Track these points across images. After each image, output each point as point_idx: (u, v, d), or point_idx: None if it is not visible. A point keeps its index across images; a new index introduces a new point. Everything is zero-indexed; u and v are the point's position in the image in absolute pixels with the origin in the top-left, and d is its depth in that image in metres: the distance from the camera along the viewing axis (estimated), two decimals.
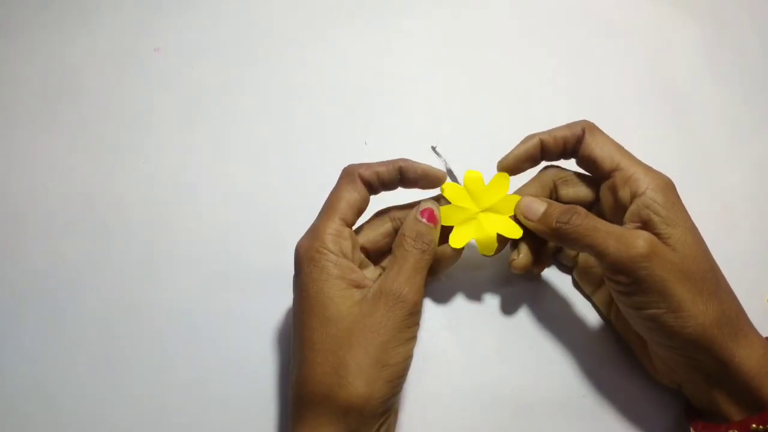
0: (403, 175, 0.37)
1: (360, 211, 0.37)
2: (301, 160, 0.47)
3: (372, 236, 0.39)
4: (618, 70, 0.51)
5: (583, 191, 0.39)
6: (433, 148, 0.47)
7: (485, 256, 0.39)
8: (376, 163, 0.37)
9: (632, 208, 0.35)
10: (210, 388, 0.40)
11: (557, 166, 0.40)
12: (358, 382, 0.31)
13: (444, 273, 0.40)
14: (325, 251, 0.34)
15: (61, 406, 0.40)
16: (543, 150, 0.38)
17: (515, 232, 0.38)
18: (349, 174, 0.37)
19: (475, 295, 0.42)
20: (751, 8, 0.53)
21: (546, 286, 0.42)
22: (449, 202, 0.39)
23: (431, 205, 0.37)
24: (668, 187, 0.35)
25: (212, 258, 0.44)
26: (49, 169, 0.48)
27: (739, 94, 0.50)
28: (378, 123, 0.49)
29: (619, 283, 0.33)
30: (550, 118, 0.48)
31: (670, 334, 0.33)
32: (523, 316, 0.41)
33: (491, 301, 0.42)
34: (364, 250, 0.39)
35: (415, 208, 0.37)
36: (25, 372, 0.41)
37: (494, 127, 0.48)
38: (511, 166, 0.38)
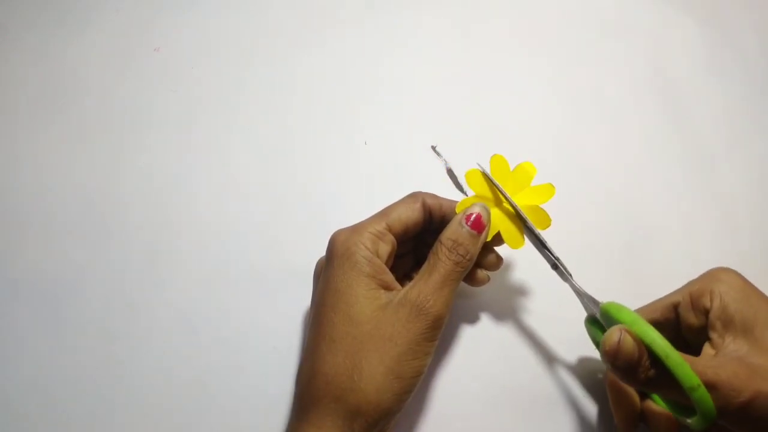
0: None
1: (407, 231, 0.36)
2: (301, 160, 0.47)
3: (404, 216, 0.36)
4: (618, 70, 0.51)
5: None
6: (433, 148, 0.47)
7: (513, 249, 0.36)
8: (444, 198, 0.37)
9: (712, 320, 0.32)
10: (210, 387, 0.40)
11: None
12: (370, 389, 0.31)
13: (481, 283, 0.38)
14: (362, 246, 0.34)
15: (61, 406, 0.40)
16: None
17: (544, 221, 0.36)
18: (414, 195, 0.37)
19: (474, 296, 0.42)
20: (751, 8, 0.53)
21: (547, 287, 0.42)
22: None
23: (479, 210, 0.35)
24: (737, 281, 0.33)
25: (212, 258, 0.44)
26: (49, 169, 0.48)
27: (739, 94, 0.50)
28: (378, 123, 0.49)
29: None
30: (550, 117, 0.48)
31: None
32: (523, 316, 0.41)
33: (491, 302, 0.42)
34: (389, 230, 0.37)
35: (460, 213, 0.35)
36: (25, 372, 0.41)
37: (494, 127, 0.48)
38: None
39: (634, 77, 0.50)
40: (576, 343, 0.40)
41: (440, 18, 0.53)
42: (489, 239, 0.36)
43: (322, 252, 0.37)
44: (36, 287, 0.43)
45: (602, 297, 0.39)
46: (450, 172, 0.46)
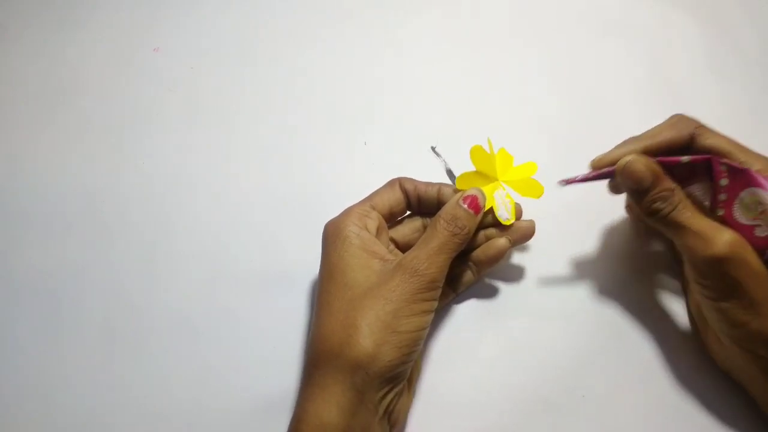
0: (439, 200, 0.38)
1: (392, 210, 0.39)
2: (301, 160, 0.47)
3: (402, 230, 0.40)
4: (618, 70, 0.51)
5: (720, 142, 0.36)
6: (433, 149, 0.47)
7: (504, 225, 0.39)
8: (419, 181, 0.39)
9: None
10: (210, 387, 0.40)
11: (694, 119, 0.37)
12: (366, 341, 0.32)
13: (487, 271, 0.41)
14: (349, 223, 0.36)
15: (61, 406, 0.40)
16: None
17: (538, 190, 0.39)
18: (391, 181, 0.40)
19: (474, 296, 0.42)
20: (751, 8, 0.53)
21: (547, 286, 0.42)
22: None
23: (476, 192, 0.37)
24: None
25: (212, 258, 0.44)
26: (49, 168, 0.48)
27: (739, 94, 0.49)
28: (378, 123, 0.49)
29: (698, 279, 0.34)
30: (550, 118, 0.48)
31: (734, 324, 0.33)
32: (523, 316, 0.41)
33: (491, 301, 0.42)
34: (394, 243, 0.40)
35: (458, 194, 0.37)
36: (25, 372, 0.41)
37: (494, 127, 0.48)
38: (604, 167, 0.37)
39: (634, 77, 0.50)
40: (573, 342, 0.40)
41: (440, 18, 0.53)
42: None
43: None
44: (36, 287, 0.43)
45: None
46: (449, 173, 0.46)
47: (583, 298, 0.42)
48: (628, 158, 0.35)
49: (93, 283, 0.43)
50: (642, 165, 0.34)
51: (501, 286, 0.42)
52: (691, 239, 0.33)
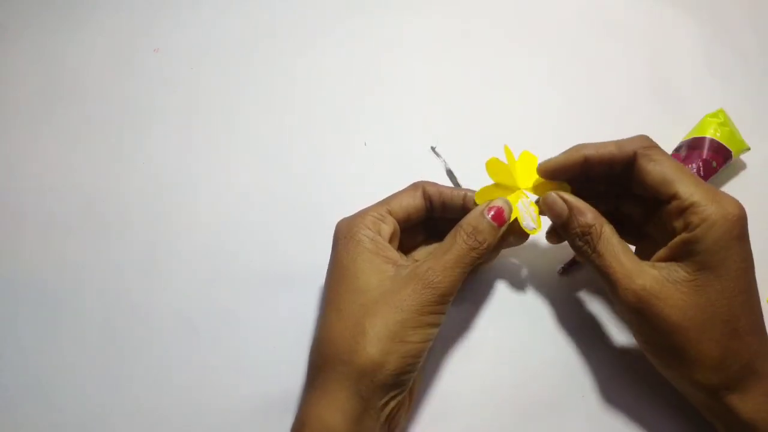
0: (464, 206, 0.37)
1: (409, 216, 0.38)
2: (301, 161, 0.47)
3: (405, 203, 0.38)
4: (618, 70, 0.51)
5: (663, 170, 0.34)
6: (433, 149, 0.47)
7: (529, 234, 0.38)
8: (445, 186, 0.38)
9: (676, 240, 0.32)
10: (210, 387, 0.40)
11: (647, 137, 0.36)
12: (373, 349, 0.32)
13: (487, 265, 0.41)
14: (363, 227, 0.35)
15: (61, 406, 0.40)
16: (588, 165, 0.36)
17: None
18: (414, 184, 0.38)
19: (474, 296, 0.42)
20: (751, 8, 0.53)
21: (547, 287, 0.42)
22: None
23: (502, 204, 0.36)
24: (728, 222, 0.32)
25: (212, 258, 0.44)
26: (49, 169, 0.48)
27: (739, 94, 0.49)
28: (378, 124, 0.49)
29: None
30: (550, 118, 0.48)
31: (666, 366, 0.34)
32: (523, 316, 0.41)
33: (491, 302, 0.42)
34: (400, 245, 0.39)
35: (483, 204, 0.36)
36: (25, 372, 0.41)
37: (493, 127, 0.48)
38: (549, 171, 0.37)
39: (634, 77, 0.50)
40: (573, 343, 0.40)
41: (440, 18, 0.53)
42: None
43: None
44: (35, 287, 0.43)
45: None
46: (449, 173, 0.46)
47: (583, 298, 0.42)
48: (549, 198, 0.35)
49: (93, 283, 0.43)
50: (555, 198, 0.35)
51: (501, 287, 0.42)
52: (606, 283, 0.34)
